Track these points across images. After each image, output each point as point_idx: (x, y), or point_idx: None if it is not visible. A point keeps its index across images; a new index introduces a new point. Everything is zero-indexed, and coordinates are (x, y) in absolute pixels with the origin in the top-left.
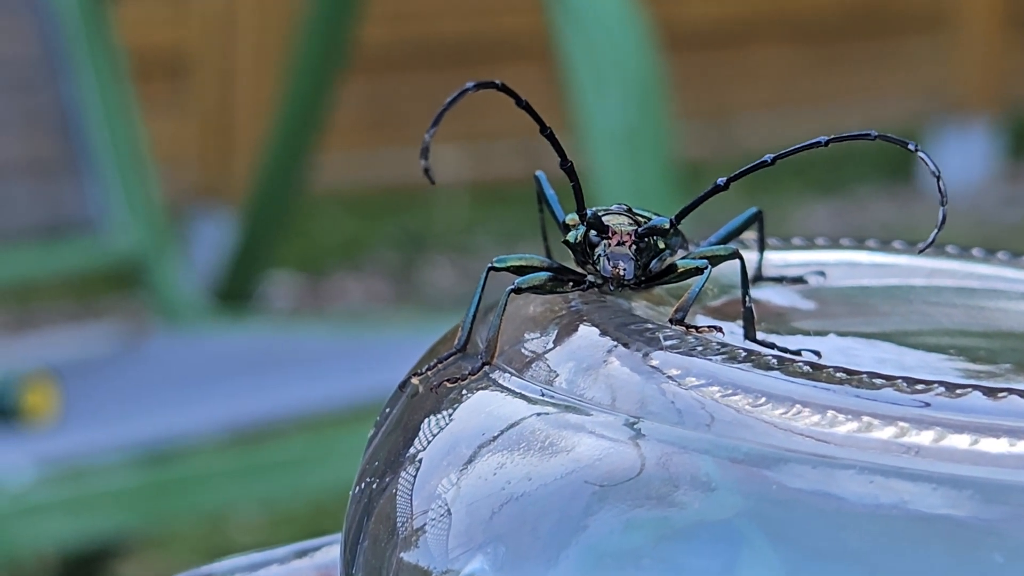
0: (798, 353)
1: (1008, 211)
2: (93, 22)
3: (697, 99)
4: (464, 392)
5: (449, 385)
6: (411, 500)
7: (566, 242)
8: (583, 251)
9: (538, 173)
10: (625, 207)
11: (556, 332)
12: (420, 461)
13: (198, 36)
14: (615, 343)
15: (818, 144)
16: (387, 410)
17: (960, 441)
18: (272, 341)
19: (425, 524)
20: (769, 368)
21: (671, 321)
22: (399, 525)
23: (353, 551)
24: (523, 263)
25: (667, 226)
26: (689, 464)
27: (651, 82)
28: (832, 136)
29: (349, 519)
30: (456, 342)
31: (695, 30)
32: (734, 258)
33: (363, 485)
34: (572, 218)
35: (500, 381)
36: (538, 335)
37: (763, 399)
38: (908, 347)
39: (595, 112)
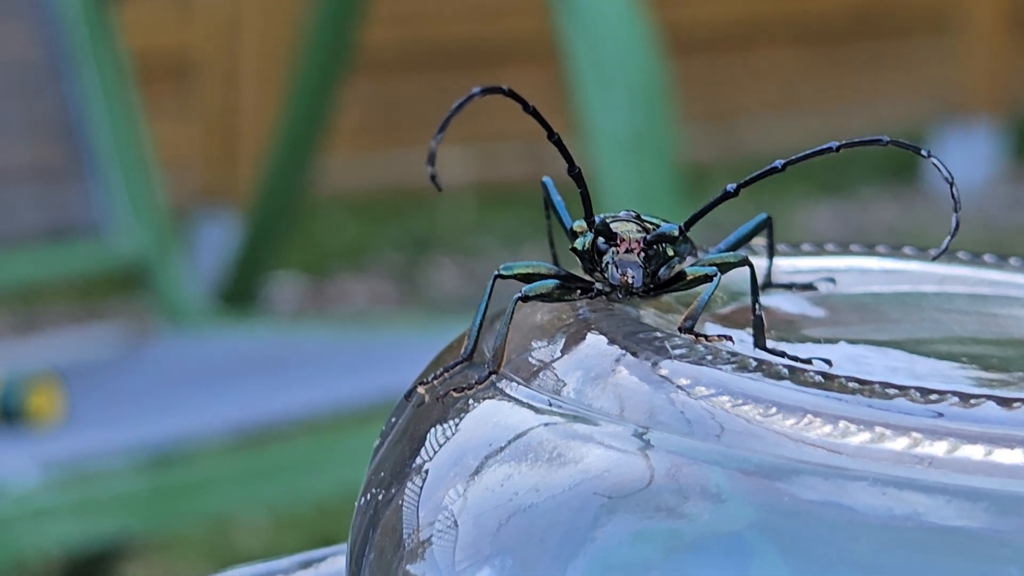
0: (809, 362)
1: (1013, 213)
2: (97, 25)
3: (702, 102)
4: (471, 402)
5: (455, 395)
6: (417, 512)
7: (574, 249)
8: (591, 258)
9: (545, 179)
10: (634, 214)
11: (564, 341)
12: (426, 472)
13: (202, 39)
14: (624, 352)
15: (829, 150)
16: (393, 420)
17: (974, 452)
18: (276, 343)
19: (432, 536)
20: (780, 378)
21: (680, 330)
22: (405, 537)
23: (359, 563)
24: (530, 271)
25: (676, 233)
26: (699, 475)
27: (656, 85)
28: (844, 141)
29: (355, 530)
30: (462, 351)
31: (699, 33)
32: (744, 265)
33: (368, 496)
34: (579, 225)
35: (507, 391)
36: (545, 344)
37: (774, 409)
38: (920, 355)
39: (600, 115)
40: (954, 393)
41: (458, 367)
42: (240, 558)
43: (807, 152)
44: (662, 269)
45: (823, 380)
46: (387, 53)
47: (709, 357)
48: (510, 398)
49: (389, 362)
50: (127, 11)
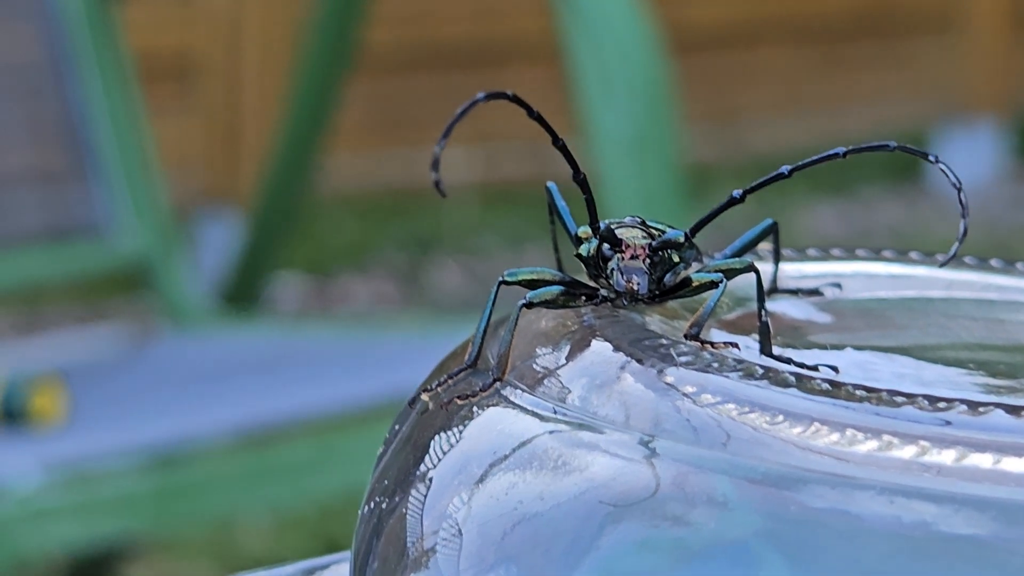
0: (816, 369)
1: (1016, 213)
2: (99, 25)
3: (704, 101)
4: (475, 409)
5: (460, 402)
6: (421, 520)
7: (579, 255)
8: (596, 264)
9: (549, 184)
10: (639, 220)
11: (568, 348)
12: (430, 480)
13: (205, 39)
14: (629, 359)
15: (836, 156)
16: (396, 427)
17: (983, 460)
18: (279, 343)
19: (436, 545)
20: (787, 385)
21: (686, 336)
22: (409, 546)
23: (363, 572)
24: (534, 277)
25: (682, 239)
26: (705, 484)
27: (658, 85)
28: (850, 147)
29: (358, 539)
30: (467, 357)
31: (702, 33)
32: (750, 271)
33: (372, 504)
34: (584, 231)
35: (512, 398)
36: (550, 351)
37: (781, 417)
38: (927, 361)
39: (602, 115)
40: (962, 401)
41: (462, 374)
42: (243, 559)
43: (814, 158)
44: (667, 275)
45: (830, 388)
46: (390, 53)
47: (715, 364)
48: (515, 405)
49: (392, 362)
50: (129, 11)
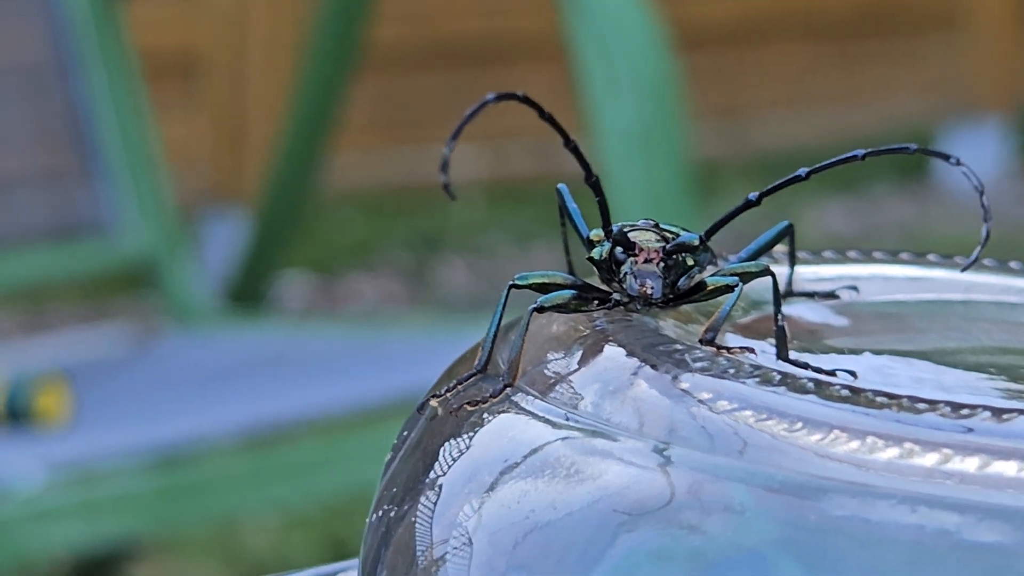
0: (834, 374)
1: (1023, 209)
2: (104, 24)
3: (712, 98)
4: (485, 415)
5: (469, 408)
6: (431, 528)
7: (591, 259)
8: (609, 268)
9: (560, 186)
10: (652, 222)
11: (581, 353)
12: (440, 487)
13: (210, 37)
14: (642, 364)
15: (855, 158)
16: (405, 433)
17: (1007, 468)
18: (285, 342)
19: (445, 554)
20: (805, 392)
21: (701, 341)
22: (418, 555)
23: None
24: (545, 280)
25: (696, 242)
26: (721, 493)
27: (665, 82)
28: (869, 150)
29: (366, 547)
30: (476, 363)
31: (709, 29)
32: (765, 275)
33: (380, 512)
34: (597, 234)
35: (523, 404)
36: (562, 356)
37: (799, 424)
38: (947, 366)
39: (609, 112)
40: (986, 407)
41: (472, 379)
42: (249, 559)
43: (832, 160)
44: (682, 279)
45: (849, 394)
46: (396, 50)
47: (731, 370)
48: (526, 412)
49: (398, 361)
50: (134, 10)
